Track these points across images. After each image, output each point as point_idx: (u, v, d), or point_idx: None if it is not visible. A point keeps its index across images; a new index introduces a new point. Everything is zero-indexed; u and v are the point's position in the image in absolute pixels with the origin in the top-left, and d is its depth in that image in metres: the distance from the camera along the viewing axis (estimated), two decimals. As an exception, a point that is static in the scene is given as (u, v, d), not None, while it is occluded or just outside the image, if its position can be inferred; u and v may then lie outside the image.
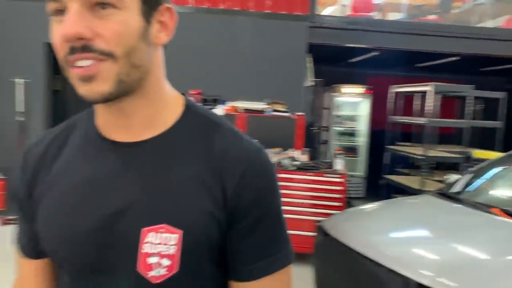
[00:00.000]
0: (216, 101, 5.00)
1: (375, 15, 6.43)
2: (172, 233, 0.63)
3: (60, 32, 0.59)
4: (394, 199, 3.53)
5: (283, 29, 5.32)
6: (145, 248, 0.63)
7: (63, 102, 5.42)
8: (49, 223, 0.69)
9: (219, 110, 4.84)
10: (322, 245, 2.68)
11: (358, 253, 2.20)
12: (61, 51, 0.60)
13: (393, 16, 6.48)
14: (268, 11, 5.36)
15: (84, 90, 0.61)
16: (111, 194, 0.66)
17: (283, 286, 0.71)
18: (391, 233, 2.51)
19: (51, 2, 0.60)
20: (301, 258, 4.06)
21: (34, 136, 0.80)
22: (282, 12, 5.36)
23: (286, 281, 0.71)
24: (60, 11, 0.60)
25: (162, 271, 0.63)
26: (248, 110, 4.86)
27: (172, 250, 0.63)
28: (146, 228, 0.63)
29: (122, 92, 0.63)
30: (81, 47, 0.58)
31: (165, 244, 0.63)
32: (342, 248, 2.34)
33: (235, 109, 4.88)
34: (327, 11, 6.53)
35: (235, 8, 5.33)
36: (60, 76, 6.69)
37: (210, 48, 5.29)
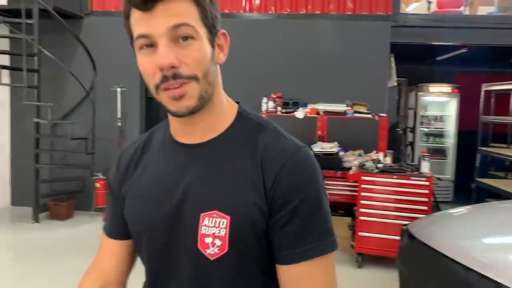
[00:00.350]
0: (296, 104, 5.09)
1: (463, 10, 6.09)
2: (222, 218, 0.76)
3: (154, 62, 0.73)
4: (486, 203, 3.36)
5: (365, 30, 5.26)
6: (203, 230, 0.78)
7: (155, 108, 5.83)
8: (134, 210, 0.87)
9: (300, 113, 4.93)
10: (407, 248, 2.65)
11: (446, 257, 2.16)
12: (153, 79, 0.74)
13: (483, 10, 6.08)
14: (349, 13, 5.34)
15: (175, 107, 0.76)
16: (178, 185, 0.81)
17: (323, 272, 0.78)
18: (483, 238, 2.41)
19: (141, 39, 0.73)
20: (386, 261, 4.01)
21: (129, 139, 0.97)
22: (364, 13, 5.31)
23: (326, 267, 0.79)
24: (149, 45, 0.73)
25: (216, 250, 0.77)
26: (329, 112, 4.88)
27: (222, 232, 0.76)
28: (202, 214, 0.78)
29: (203, 105, 0.78)
30: (172, 75, 0.73)
31: (217, 227, 0.77)
32: (429, 252, 2.30)
33: (316, 111, 4.93)
34: (410, 8, 6.31)
35: (316, 12, 5.37)
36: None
37: (291, 52, 5.38)
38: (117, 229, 0.93)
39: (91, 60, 5.17)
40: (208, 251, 0.78)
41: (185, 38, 0.73)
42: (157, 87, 0.75)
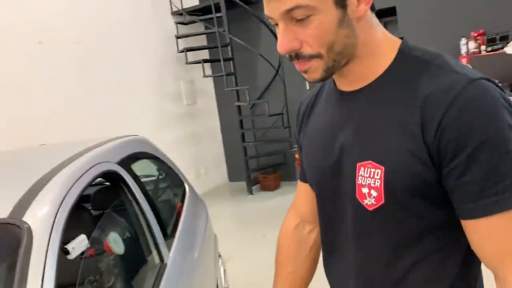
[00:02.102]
0: (505, 38, 4.29)
1: None
2: (376, 168, 0.73)
3: (278, 47, 0.74)
4: None
5: None
6: (359, 180, 0.76)
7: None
8: (307, 157, 0.91)
9: (511, 48, 4.14)
10: None
11: None
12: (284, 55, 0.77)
13: None
14: None
15: (304, 76, 0.77)
16: (339, 134, 0.81)
17: None
18: None
19: (270, 19, 0.74)
20: None
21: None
22: None
23: None
24: (276, 24, 0.74)
25: (372, 201, 0.75)
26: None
27: (377, 183, 0.73)
28: (359, 163, 0.76)
29: (335, 71, 0.76)
30: (295, 55, 0.74)
31: (372, 178, 0.74)
32: None
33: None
34: None
35: None
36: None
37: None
38: (304, 173, 0.98)
39: (276, 39, 5.39)
40: (365, 201, 0.76)
41: (302, 19, 0.70)
42: (290, 60, 0.77)
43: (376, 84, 0.76)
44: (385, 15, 6.36)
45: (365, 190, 0.75)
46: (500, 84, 0.74)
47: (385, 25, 6.65)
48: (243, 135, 5.71)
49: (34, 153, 1.86)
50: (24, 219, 1.04)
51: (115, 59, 4.88)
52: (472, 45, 4.51)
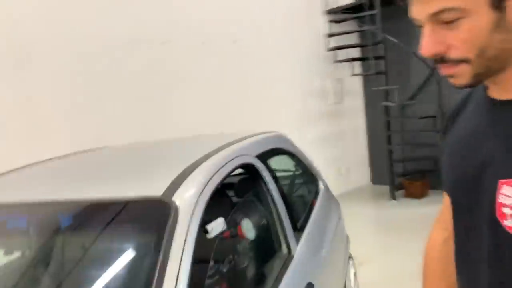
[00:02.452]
0: None
1: None
2: None
3: (421, 49, 0.71)
4: None
5: None
6: (500, 198, 0.69)
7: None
8: (445, 165, 0.86)
9: None
10: None
11: None
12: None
13: None
14: None
15: (450, 81, 0.73)
16: (482, 145, 0.74)
17: None
18: None
19: (415, 20, 0.71)
20: None
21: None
22: None
23: None
24: (421, 26, 0.70)
25: None
26: None
27: None
28: (501, 181, 0.69)
29: (484, 79, 0.71)
30: (440, 59, 0.70)
31: None
32: None
33: None
34: None
35: None
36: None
37: None
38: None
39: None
40: (506, 222, 0.69)
41: (451, 21, 0.66)
42: (435, 64, 0.74)
43: None
44: None
45: (506, 211, 0.69)
46: None
47: None
48: (389, 137, 5.50)
49: (190, 142, 2.14)
50: (173, 198, 1.24)
51: (267, 57, 5.18)
52: None
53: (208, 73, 4.66)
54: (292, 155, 2.36)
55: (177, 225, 1.16)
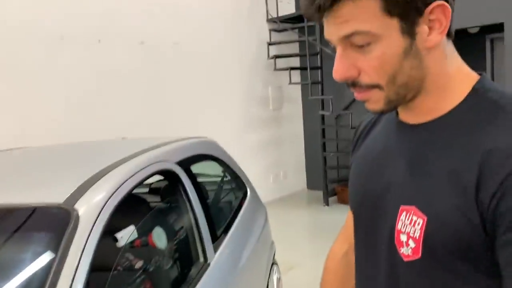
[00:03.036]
0: None
1: None
2: (419, 217, 0.65)
3: (333, 73, 0.68)
4: None
5: None
6: (399, 225, 0.68)
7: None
8: (351, 182, 0.85)
9: None
10: None
11: None
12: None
13: None
14: None
15: (366, 106, 0.71)
16: (388, 166, 0.74)
17: None
18: None
19: (330, 41, 0.69)
20: None
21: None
22: None
23: None
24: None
25: (409, 252, 0.66)
26: None
27: (417, 233, 0.64)
28: (402, 206, 0.68)
29: (398, 105, 0.70)
30: (351, 83, 0.68)
31: (413, 226, 0.65)
32: None
33: None
34: None
35: None
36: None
37: None
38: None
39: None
40: (402, 250, 0.68)
41: (361, 45, 0.64)
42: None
43: (439, 123, 0.68)
44: (492, 31, 5.89)
45: (403, 238, 0.67)
46: None
47: (492, 42, 6.12)
48: (324, 144, 5.66)
49: (109, 146, 2.08)
50: (75, 206, 1.19)
51: (209, 62, 5.17)
52: None
53: (147, 74, 4.56)
54: (220, 161, 2.35)
55: (76, 233, 1.12)
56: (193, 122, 4.82)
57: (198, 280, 1.54)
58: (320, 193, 5.82)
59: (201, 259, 1.67)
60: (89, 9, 4.08)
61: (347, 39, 0.64)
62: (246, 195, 2.46)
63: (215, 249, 1.77)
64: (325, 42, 5.36)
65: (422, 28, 0.63)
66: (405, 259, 0.67)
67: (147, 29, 4.54)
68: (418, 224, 0.64)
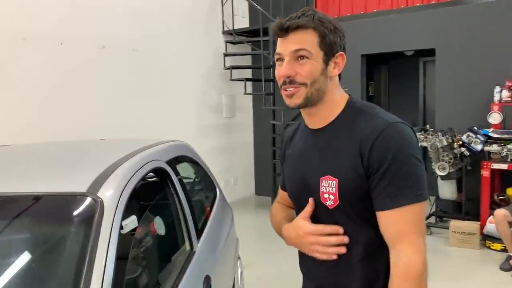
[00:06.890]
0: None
1: None
2: (333, 180, 1.10)
3: (279, 72, 1.10)
4: None
5: None
6: (322, 188, 1.12)
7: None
8: (287, 173, 1.30)
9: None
10: None
11: None
12: (279, 82, 1.13)
13: None
14: None
15: (288, 102, 1.13)
16: (308, 159, 1.18)
17: (411, 216, 1.03)
18: None
19: (276, 55, 1.12)
20: None
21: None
22: None
23: (414, 213, 1.04)
24: (280, 60, 1.11)
25: (331, 202, 1.11)
26: None
27: (334, 190, 1.10)
28: (321, 177, 1.12)
29: (308, 104, 1.12)
30: (289, 81, 1.10)
31: (330, 187, 1.10)
32: None
33: None
34: None
35: None
36: (373, 83, 7.36)
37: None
38: (284, 183, 1.36)
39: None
40: (327, 203, 1.12)
41: (302, 57, 1.08)
42: (281, 87, 1.13)
43: (332, 125, 1.15)
44: (425, 54, 6.55)
45: (326, 196, 1.12)
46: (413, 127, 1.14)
47: (424, 64, 6.82)
48: (274, 152, 5.99)
49: (98, 145, 2.23)
50: (98, 194, 1.37)
51: (166, 69, 5.33)
52: (505, 93, 4.64)
53: (107, 78, 4.64)
54: (194, 163, 2.57)
55: (103, 219, 1.29)
56: (150, 126, 4.96)
57: (187, 265, 1.75)
58: (267, 199, 6.14)
59: (188, 247, 1.89)
60: (51, 12, 4.12)
61: (294, 53, 1.08)
62: (216, 195, 2.69)
63: (198, 239, 1.99)
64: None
65: (331, 63, 1.12)
66: (330, 207, 1.12)
67: (108, 35, 4.63)
68: (333, 184, 1.10)
